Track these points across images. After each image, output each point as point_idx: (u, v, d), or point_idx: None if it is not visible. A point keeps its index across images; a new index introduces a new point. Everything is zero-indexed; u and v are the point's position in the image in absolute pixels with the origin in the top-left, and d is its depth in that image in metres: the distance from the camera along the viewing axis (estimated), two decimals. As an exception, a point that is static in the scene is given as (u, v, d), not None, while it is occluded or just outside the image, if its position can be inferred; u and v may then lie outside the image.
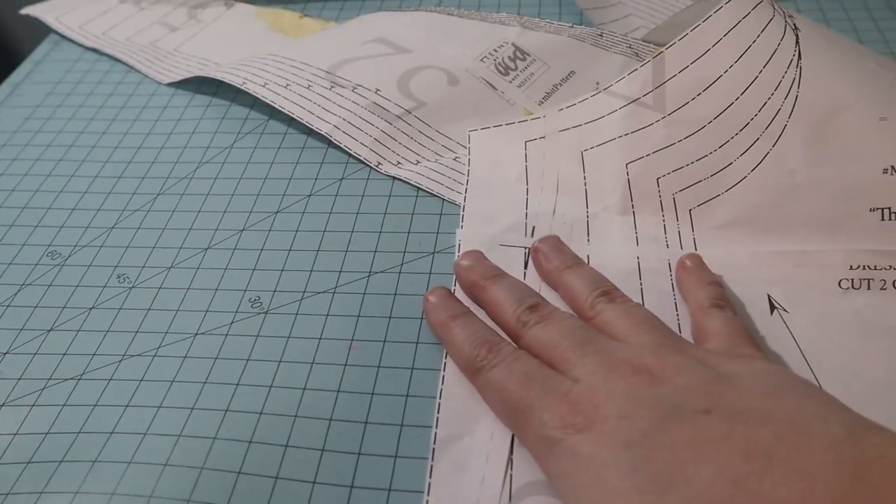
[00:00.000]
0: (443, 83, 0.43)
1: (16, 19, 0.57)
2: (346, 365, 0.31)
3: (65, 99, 0.49)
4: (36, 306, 0.36)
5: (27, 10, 0.57)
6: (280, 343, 0.33)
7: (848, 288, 0.30)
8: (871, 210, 0.31)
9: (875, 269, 0.30)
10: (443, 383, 0.30)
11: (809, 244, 0.32)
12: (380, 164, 0.40)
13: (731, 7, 0.35)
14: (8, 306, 0.36)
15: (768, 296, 0.30)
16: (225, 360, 0.32)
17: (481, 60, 0.44)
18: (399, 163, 0.40)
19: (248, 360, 0.32)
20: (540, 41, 0.45)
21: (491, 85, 0.43)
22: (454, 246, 0.35)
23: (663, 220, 0.34)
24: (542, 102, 0.42)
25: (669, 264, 0.32)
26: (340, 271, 0.35)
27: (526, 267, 0.33)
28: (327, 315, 0.34)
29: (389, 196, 0.39)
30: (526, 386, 0.27)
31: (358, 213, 0.38)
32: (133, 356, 0.33)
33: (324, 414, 0.30)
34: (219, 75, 0.45)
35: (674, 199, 0.34)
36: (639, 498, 0.22)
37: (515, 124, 0.39)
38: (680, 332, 0.30)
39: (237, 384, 0.31)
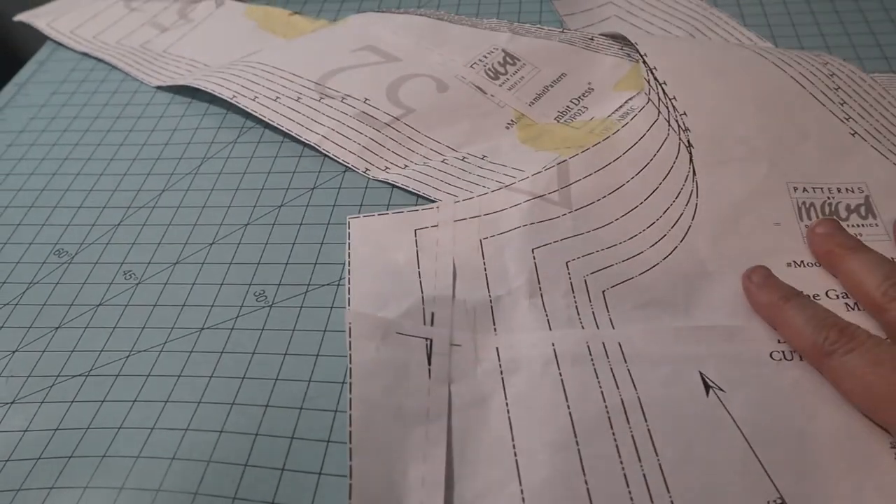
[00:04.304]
0: (432, 90, 0.43)
1: (19, 21, 0.57)
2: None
3: (69, 98, 0.49)
4: (44, 304, 0.36)
5: (20, 17, 0.57)
6: (285, 336, 0.33)
7: (780, 359, 0.29)
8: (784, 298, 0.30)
9: None
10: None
11: (734, 321, 0.30)
12: (367, 170, 0.40)
13: (630, 129, 0.38)
14: (16, 305, 0.36)
15: (701, 374, 0.29)
16: (231, 354, 0.32)
17: (471, 67, 0.44)
18: (387, 168, 0.40)
19: (253, 353, 0.32)
20: (530, 46, 0.45)
21: (481, 90, 0.43)
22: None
23: (575, 302, 0.32)
24: (533, 103, 0.42)
25: (588, 347, 0.30)
26: (344, 263, 0.35)
27: (430, 363, 0.30)
28: (332, 307, 0.34)
29: (392, 188, 0.39)
30: None
31: (361, 206, 0.38)
32: (140, 352, 0.33)
33: (329, 406, 0.30)
34: (209, 87, 0.45)
35: (585, 280, 0.32)
36: None
37: (403, 213, 0.36)
38: (611, 424, 0.27)
39: (243, 377, 0.31)
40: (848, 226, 0.33)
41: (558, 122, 0.41)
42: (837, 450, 0.26)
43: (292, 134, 0.42)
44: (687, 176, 0.35)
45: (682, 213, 0.34)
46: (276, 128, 0.43)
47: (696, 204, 0.34)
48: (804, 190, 0.34)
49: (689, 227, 0.34)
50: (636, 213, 0.35)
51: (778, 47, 0.44)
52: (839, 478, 0.25)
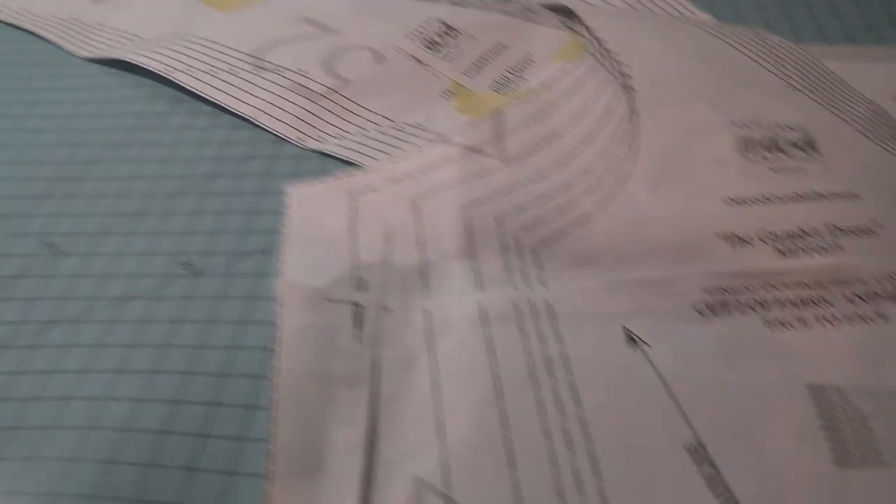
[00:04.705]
0: (368, 61, 0.43)
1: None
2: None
3: (-4, 70, 0.48)
4: (-39, 277, 0.35)
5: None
6: (211, 304, 0.32)
7: (708, 314, 0.29)
8: (718, 237, 0.31)
9: (731, 292, 0.29)
10: (273, 484, 0.25)
11: (664, 272, 0.30)
12: (302, 140, 0.39)
13: (569, 75, 0.38)
14: (-69, 277, 0.35)
15: (627, 330, 0.29)
16: (154, 324, 0.31)
17: (409, 38, 0.44)
18: (322, 138, 0.39)
19: (178, 322, 0.31)
20: (469, 17, 0.45)
21: (418, 60, 0.43)
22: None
23: (508, 262, 0.31)
24: (472, 74, 0.42)
25: (518, 306, 0.30)
26: (276, 231, 0.35)
27: (358, 328, 0.30)
28: (260, 275, 0.33)
29: (326, 158, 0.38)
30: None
31: (295, 175, 0.37)
32: (61, 322, 0.32)
33: (254, 372, 0.29)
34: (142, 61, 0.44)
35: (518, 238, 0.32)
36: None
37: (341, 178, 0.36)
38: (536, 381, 0.27)
39: (166, 346, 0.31)
40: (791, 159, 0.33)
41: (497, 92, 0.41)
42: (757, 397, 0.26)
43: (226, 107, 0.41)
44: (629, 118, 0.35)
45: (620, 158, 0.34)
46: (210, 100, 0.42)
47: (637, 148, 0.34)
48: (746, 126, 0.34)
49: (630, 172, 0.33)
50: (575, 163, 0.34)
51: (716, 20, 0.44)
52: (757, 423, 0.25)
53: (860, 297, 0.29)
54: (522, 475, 0.25)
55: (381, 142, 0.38)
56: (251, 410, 0.28)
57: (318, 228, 0.34)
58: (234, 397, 0.29)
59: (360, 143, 0.38)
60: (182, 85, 0.42)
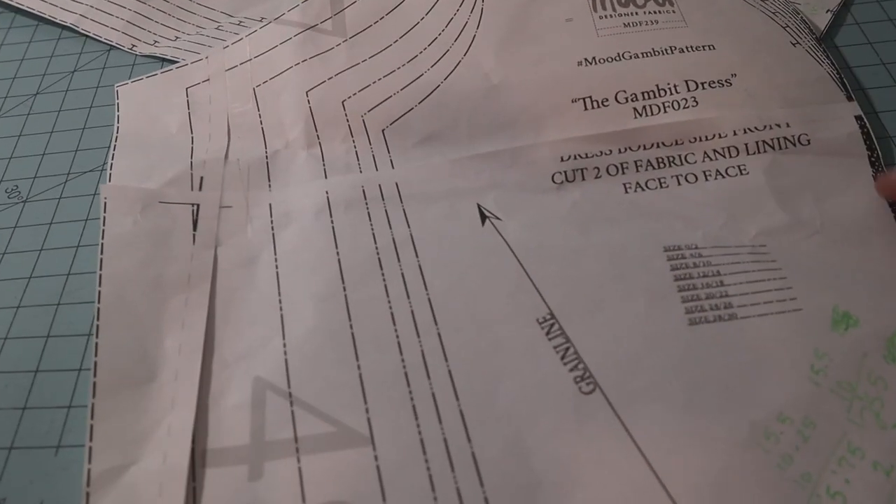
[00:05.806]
0: None
1: None
2: (115, 243, 0.28)
3: None
4: None
5: None
6: (41, 231, 0.29)
7: (562, 182, 0.28)
8: (573, 101, 0.29)
9: (586, 157, 0.28)
10: (94, 396, 0.24)
11: (516, 141, 0.29)
12: (134, 46, 0.36)
13: None
14: None
15: (478, 205, 0.27)
16: (-22, 258, 0.29)
17: None
18: (156, 42, 0.36)
19: (3, 254, 0.29)
20: None
21: None
22: (232, 103, 0.32)
23: (354, 146, 0.30)
24: None
25: (364, 190, 0.28)
26: (109, 146, 0.32)
27: (195, 228, 0.28)
28: (94, 195, 0.30)
29: (162, 62, 0.35)
30: None
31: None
32: None
33: (91, 297, 0.27)
34: None
35: (363, 120, 0.30)
36: None
37: (172, 71, 0.33)
38: (381, 266, 0.26)
39: (-8, 281, 0.28)
40: (645, 12, 0.31)
41: (343, -25, 0.38)
42: (611, 263, 0.25)
43: (45, 16, 0.37)
44: None
45: (466, 23, 0.32)
46: (27, 11, 0.38)
47: (482, 9, 0.32)
48: None
49: (474, 37, 0.31)
50: (417, 31, 0.32)
51: None
52: (611, 290, 0.25)
53: (719, 153, 0.28)
54: (367, 365, 0.24)
55: (220, 40, 0.35)
56: (86, 339, 0.26)
57: (152, 129, 0.31)
58: (67, 327, 0.26)
59: (197, 44, 0.35)
60: (-6, -3, 0.38)
